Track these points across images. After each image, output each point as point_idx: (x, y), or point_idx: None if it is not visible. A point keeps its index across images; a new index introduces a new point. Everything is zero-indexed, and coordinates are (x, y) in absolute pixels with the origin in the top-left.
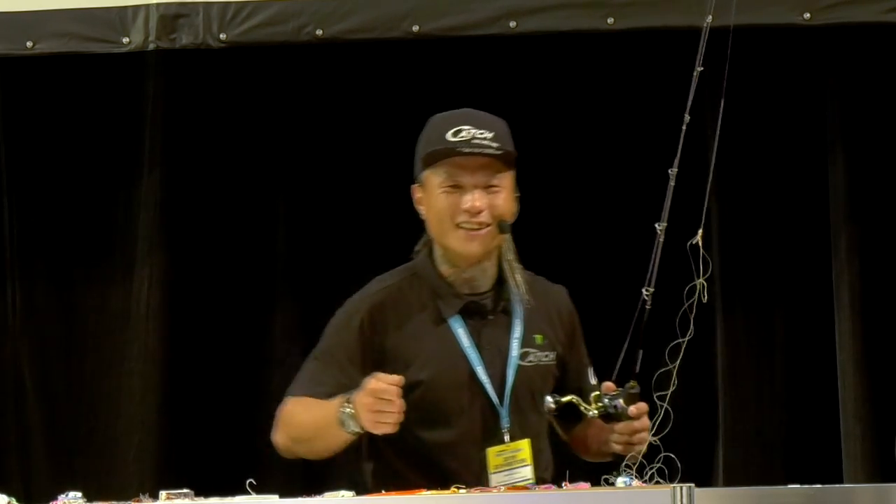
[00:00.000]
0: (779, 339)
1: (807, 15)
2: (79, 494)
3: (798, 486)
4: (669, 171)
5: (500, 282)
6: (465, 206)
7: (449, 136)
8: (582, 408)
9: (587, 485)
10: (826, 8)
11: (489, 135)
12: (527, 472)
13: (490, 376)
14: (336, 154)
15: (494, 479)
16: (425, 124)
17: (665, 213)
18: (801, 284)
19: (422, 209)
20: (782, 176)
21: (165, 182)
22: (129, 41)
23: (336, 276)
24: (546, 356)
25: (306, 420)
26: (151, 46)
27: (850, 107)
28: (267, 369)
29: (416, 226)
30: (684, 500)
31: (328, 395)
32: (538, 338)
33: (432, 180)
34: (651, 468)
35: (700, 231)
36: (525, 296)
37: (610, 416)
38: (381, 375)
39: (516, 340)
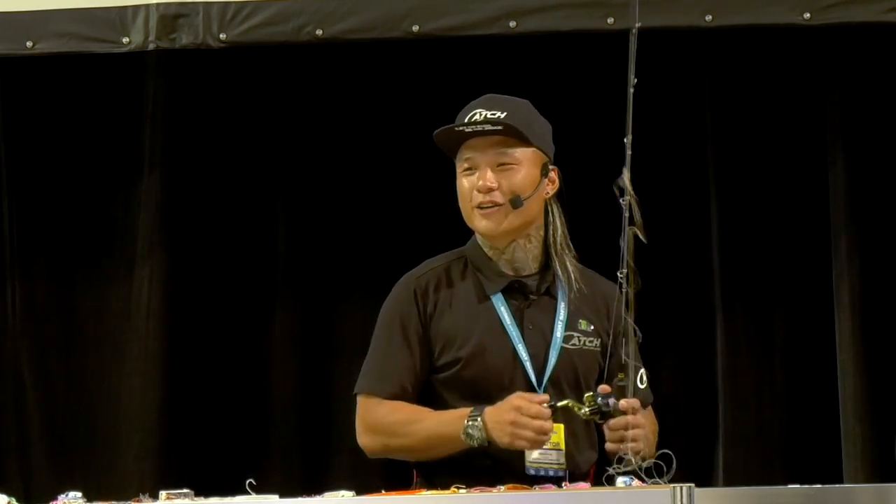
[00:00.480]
0: (779, 339)
1: (807, 15)
2: (79, 494)
3: (798, 486)
4: (625, 140)
5: (547, 265)
6: (476, 186)
7: (464, 122)
8: (575, 409)
9: (587, 485)
10: (826, 8)
11: (501, 115)
12: (559, 457)
13: (531, 356)
14: (336, 154)
15: (529, 454)
16: None
17: (627, 184)
18: (801, 284)
19: None
20: (782, 176)
21: (165, 182)
22: (129, 41)
23: (336, 276)
24: (591, 341)
25: (416, 431)
26: (151, 46)
27: (851, 107)
28: (267, 369)
29: (415, 225)
30: (684, 500)
31: (402, 386)
32: (583, 323)
33: (458, 167)
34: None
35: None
36: (573, 281)
37: (604, 414)
38: (526, 395)
39: (561, 322)
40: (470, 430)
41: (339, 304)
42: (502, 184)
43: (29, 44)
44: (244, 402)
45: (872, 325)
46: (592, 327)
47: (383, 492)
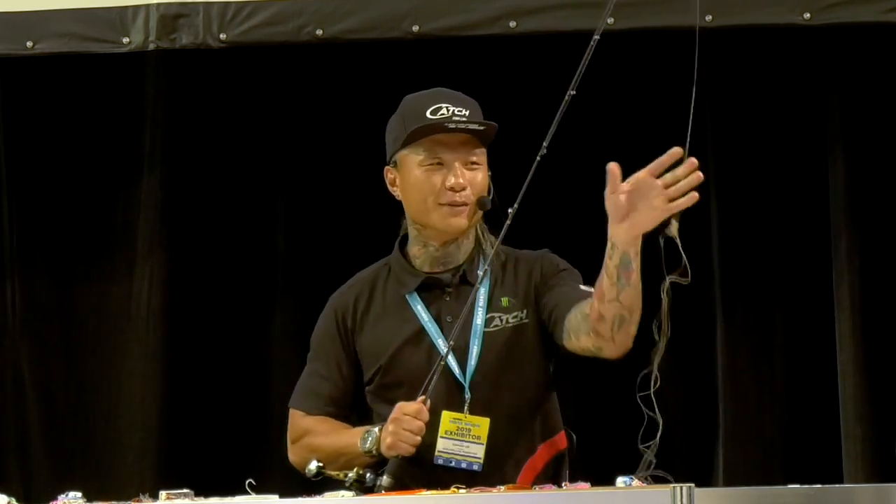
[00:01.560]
0: (779, 339)
1: (807, 15)
2: (79, 494)
3: (798, 486)
4: (542, 149)
5: (472, 256)
6: (448, 184)
7: (428, 114)
8: (341, 476)
9: (587, 485)
10: (826, 8)
11: (466, 112)
12: (477, 451)
13: (454, 349)
14: (336, 154)
15: (441, 443)
16: (399, 105)
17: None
18: (801, 284)
19: (396, 191)
20: (782, 176)
21: (165, 182)
22: (129, 41)
23: (336, 276)
24: (514, 317)
25: (326, 445)
26: (151, 46)
27: (851, 107)
28: (267, 369)
29: None
30: (684, 500)
31: (328, 402)
32: (504, 300)
33: (411, 159)
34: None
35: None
36: (491, 262)
37: (366, 488)
38: (400, 404)
39: (480, 309)
40: (364, 438)
41: None
42: (471, 183)
43: (29, 44)
44: (244, 402)
45: (872, 325)
46: (515, 300)
47: (383, 492)
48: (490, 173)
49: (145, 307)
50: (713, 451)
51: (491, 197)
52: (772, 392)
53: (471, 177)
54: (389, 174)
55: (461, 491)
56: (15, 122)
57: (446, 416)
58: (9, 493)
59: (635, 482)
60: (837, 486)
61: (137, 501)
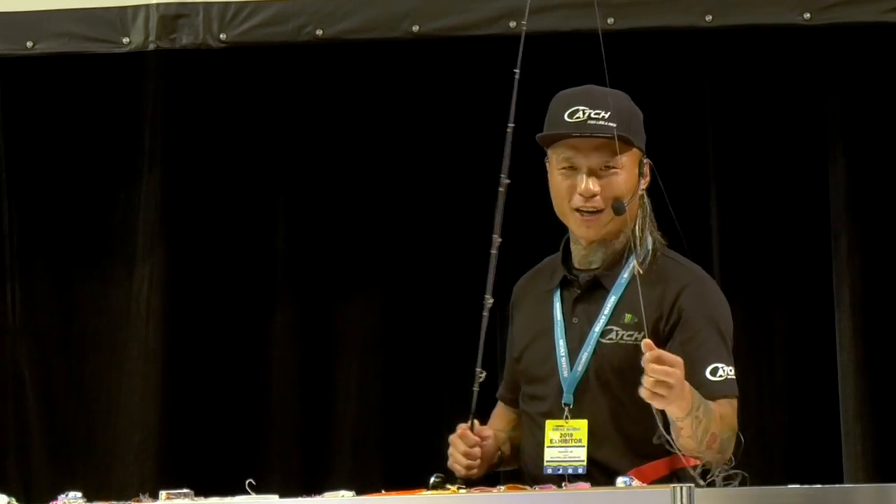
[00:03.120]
0: (779, 339)
1: (807, 15)
2: (79, 494)
3: (798, 486)
4: (501, 180)
5: (620, 258)
6: (579, 190)
7: (566, 116)
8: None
9: (587, 485)
10: (826, 8)
11: (605, 114)
12: (580, 454)
13: (570, 350)
14: (336, 154)
15: (548, 453)
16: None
17: (497, 227)
18: (801, 284)
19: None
20: (782, 175)
21: (165, 182)
22: (129, 41)
23: (336, 275)
24: (629, 335)
25: None
26: (151, 46)
27: (851, 107)
28: (267, 369)
29: (415, 224)
30: (684, 500)
31: (505, 389)
32: (628, 317)
33: (553, 159)
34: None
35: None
36: (636, 270)
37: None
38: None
39: (604, 317)
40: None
41: (339, 304)
42: (604, 188)
43: (29, 44)
44: (244, 402)
45: (872, 325)
46: (636, 320)
47: (383, 492)
48: (648, 161)
49: (145, 307)
50: None
51: (641, 198)
52: (772, 392)
53: (605, 182)
54: (547, 166)
55: (461, 491)
56: (15, 122)
57: (549, 426)
58: (9, 493)
59: (635, 482)
60: (837, 486)
61: (137, 501)
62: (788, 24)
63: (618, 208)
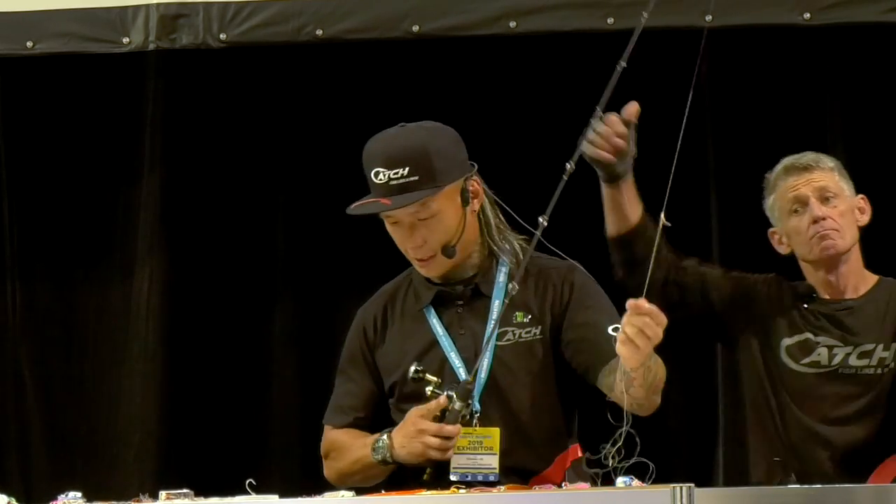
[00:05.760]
0: None
1: (807, 15)
2: (79, 494)
3: (798, 486)
4: (567, 166)
5: (485, 266)
6: (406, 244)
7: (372, 176)
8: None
9: (587, 485)
10: (826, 8)
11: (404, 171)
12: (491, 461)
13: (465, 361)
14: (336, 154)
15: (456, 460)
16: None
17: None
18: None
19: None
20: None
21: (165, 182)
22: (129, 41)
23: (336, 275)
24: (528, 332)
25: (346, 456)
26: (151, 46)
27: (850, 107)
28: (267, 369)
29: None
30: (684, 500)
31: (355, 417)
32: (519, 315)
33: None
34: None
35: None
36: (511, 274)
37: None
38: (413, 409)
39: (493, 322)
40: (376, 446)
41: (338, 304)
42: (429, 238)
43: (29, 44)
44: (244, 402)
45: None
46: (530, 317)
47: (383, 492)
48: (474, 179)
49: (145, 307)
50: (713, 451)
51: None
52: None
53: (426, 232)
54: None
55: (461, 491)
56: (15, 122)
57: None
58: (9, 493)
59: (635, 482)
60: (837, 486)
61: (137, 501)
62: (788, 24)
63: (448, 252)
